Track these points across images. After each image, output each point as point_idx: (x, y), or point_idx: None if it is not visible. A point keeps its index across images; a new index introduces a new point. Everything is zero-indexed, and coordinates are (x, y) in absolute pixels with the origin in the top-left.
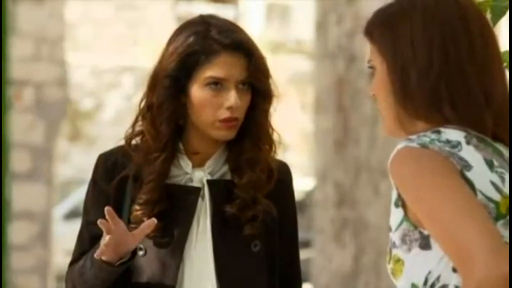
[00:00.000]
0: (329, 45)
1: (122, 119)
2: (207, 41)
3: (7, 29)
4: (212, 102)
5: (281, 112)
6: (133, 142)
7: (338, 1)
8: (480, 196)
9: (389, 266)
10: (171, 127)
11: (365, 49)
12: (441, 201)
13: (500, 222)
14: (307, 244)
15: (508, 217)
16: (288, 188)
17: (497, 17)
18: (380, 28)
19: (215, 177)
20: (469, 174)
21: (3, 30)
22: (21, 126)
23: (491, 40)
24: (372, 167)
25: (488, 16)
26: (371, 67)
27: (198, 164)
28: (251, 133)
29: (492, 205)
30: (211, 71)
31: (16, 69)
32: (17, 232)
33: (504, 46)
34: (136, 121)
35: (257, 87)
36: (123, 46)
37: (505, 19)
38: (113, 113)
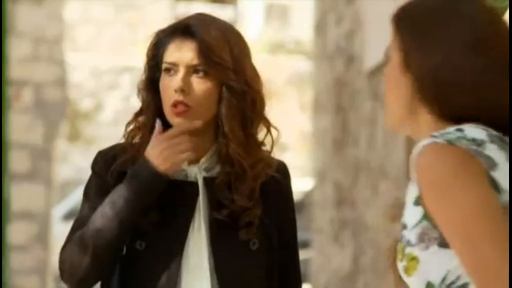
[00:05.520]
0: (328, 46)
1: (121, 120)
2: (170, 31)
3: (6, 29)
4: (167, 87)
5: (280, 112)
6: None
7: (338, 2)
8: (505, 196)
9: (402, 264)
10: (153, 110)
11: (364, 50)
12: (467, 208)
13: None
14: (306, 245)
15: None
16: (287, 188)
17: None
18: (408, 20)
19: (210, 174)
20: (495, 174)
21: (2, 30)
22: (20, 126)
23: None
24: (371, 167)
25: None
26: (387, 55)
27: (194, 161)
28: (220, 129)
29: None
30: (165, 57)
31: (15, 69)
32: (16, 233)
33: None
34: (131, 120)
35: (212, 75)
36: (122, 47)
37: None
38: (112, 114)
